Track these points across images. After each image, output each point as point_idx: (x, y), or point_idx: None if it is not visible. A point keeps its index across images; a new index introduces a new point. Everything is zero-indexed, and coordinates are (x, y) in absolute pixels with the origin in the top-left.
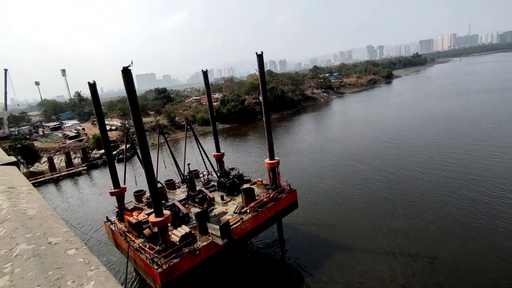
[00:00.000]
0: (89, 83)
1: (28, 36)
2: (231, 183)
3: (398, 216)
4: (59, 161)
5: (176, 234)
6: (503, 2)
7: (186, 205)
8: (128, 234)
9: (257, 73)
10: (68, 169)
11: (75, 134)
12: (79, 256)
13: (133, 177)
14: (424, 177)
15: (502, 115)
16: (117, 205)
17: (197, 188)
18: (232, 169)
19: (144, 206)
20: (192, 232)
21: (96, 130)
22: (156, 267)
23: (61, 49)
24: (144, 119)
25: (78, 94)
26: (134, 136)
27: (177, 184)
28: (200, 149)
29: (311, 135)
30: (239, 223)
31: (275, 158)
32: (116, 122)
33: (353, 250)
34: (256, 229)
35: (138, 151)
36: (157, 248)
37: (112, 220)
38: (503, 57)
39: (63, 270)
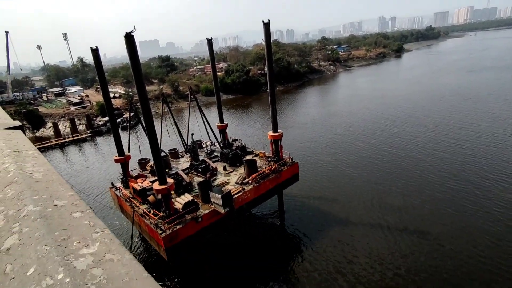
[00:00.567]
0: (91, 48)
1: (36, 6)
2: (234, 154)
3: (395, 194)
4: (64, 127)
5: (179, 201)
6: None
7: (189, 174)
8: (133, 200)
9: (263, 43)
10: (73, 135)
11: (79, 100)
12: (84, 218)
13: (137, 145)
14: (424, 156)
15: (511, 95)
16: (121, 172)
17: (200, 158)
18: (235, 140)
19: (148, 173)
20: (195, 200)
21: (99, 97)
22: (160, 232)
23: (64, 17)
24: (148, 88)
25: (80, 60)
26: (138, 104)
27: (180, 154)
28: (204, 119)
29: (315, 109)
30: (240, 193)
31: (278, 131)
32: (120, 90)
33: (350, 224)
34: (257, 199)
35: (142, 119)
36: (161, 214)
37: (117, 186)
38: None
39: (69, 231)
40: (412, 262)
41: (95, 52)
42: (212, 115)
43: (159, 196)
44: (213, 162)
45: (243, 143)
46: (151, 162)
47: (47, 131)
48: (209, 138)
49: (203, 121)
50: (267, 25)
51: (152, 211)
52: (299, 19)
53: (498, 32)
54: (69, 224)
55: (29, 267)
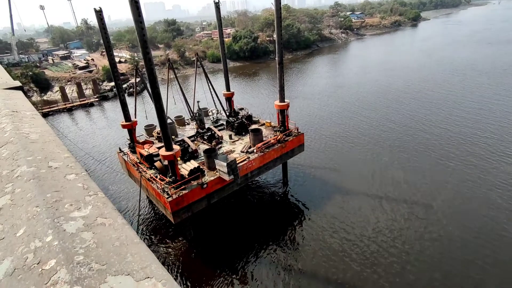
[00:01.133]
0: (95, 9)
1: None
2: (240, 123)
3: (398, 168)
4: (71, 91)
5: (185, 168)
6: None
7: (195, 142)
8: (140, 165)
9: (273, 7)
10: (80, 99)
11: (84, 64)
12: (78, 181)
13: (144, 111)
14: (430, 132)
15: None
16: (129, 138)
17: (206, 126)
18: (242, 109)
19: (154, 140)
20: (200, 167)
21: (105, 61)
22: (167, 196)
23: None
24: (153, 53)
25: (85, 22)
26: (144, 70)
27: (186, 121)
28: (210, 87)
29: (323, 80)
30: (245, 161)
31: (285, 100)
32: (125, 54)
33: (351, 195)
34: (262, 168)
35: (148, 86)
36: (167, 179)
37: (124, 151)
38: None
39: (62, 193)
40: (408, 236)
41: (99, 13)
42: (219, 82)
43: (166, 162)
44: (219, 130)
45: (249, 112)
46: (158, 129)
47: (54, 94)
48: (215, 106)
49: (210, 89)
50: None
51: (159, 176)
52: None
53: None
54: (62, 186)
55: (19, 228)
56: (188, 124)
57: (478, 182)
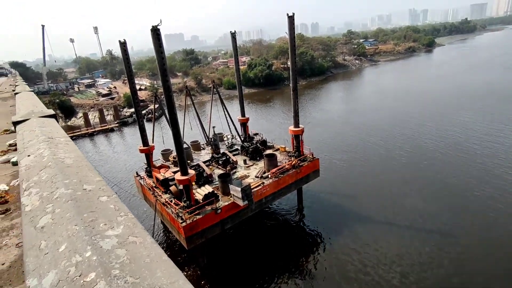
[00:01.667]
0: (119, 41)
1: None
2: (254, 148)
3: (415, 195)
4: (93, 117)
5: (200, 192)
6: None
7: (210, 166)
8: (155, 189)
9: (287, 36)
10: (102, 125)
11: (107, 92)
12: (110, 203)
13: (161, 137)
14: (448, 160)
15: None
16: (145, 162)
17: (221, 151)
18: (256, 134)
19: (170, 164)
20: (215, 192)
21: (126, 89)
22: (181, 221)
23: (95, 11)
24: (172, 80)
25: (109, 53)
26: (162, 96)
27: (202, 146)
28: (225, 112)
29: (338, 105)
30: (260, 187)
31: (300, 126)
32: (145, 82)
33: (368, 224)
34: (276, 194)
35: (166, 111)
36: (182, 204)
37: (141, 175)
38: None
39: (96, 213)
40: (428, 267)
41: (123, 45)
42: (234, 108)
43: (181, 187)
44: (234, 155)
45: (263, 137)
46: (174, 153)
47: (78, 120)
48: (230, 131)
49: (225, 114)
50: (291, 18)
51: (173, 201)
52: (325, 12)
53: None
54: (96, 207)
55: (60, 244)
56: (203, 149)
57: (502, 212)
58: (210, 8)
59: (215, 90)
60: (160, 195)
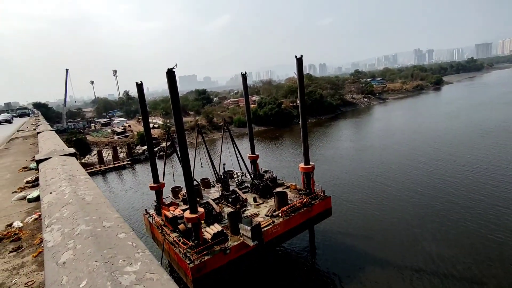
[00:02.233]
0: (136, 83)
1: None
2: (265, 186)
3: (430, 238)
4: (107, 154)
5: (209, 231)
6: None
7: (220, 204)
8: (164, 227)
9: (296, 77)
10: (114, 162)
11: (122, 130)
12: (128, 239)
13: (172, 174)
14: (462, 201)
15: None
16: (155, 199)
17: (231, 188)
18: (266, 171)
19: (180, 202)
20: (224, 231)
21: (140, 127)
22: (189, 262)
23: (113, 48)
24: (184, 119)
25: (126, 93)
26: (175, 134)
27: (212, 183)
28: (236, 150)
29: (348, 143)
30: (270, 226)
31: (310, 163)
32: (159, 121)
33: (383, 267)
34: (287, 233)
35: (178, 149)
36: (190, 243)
37: (150, 213)
38: None
39: (115, 250)
40: None
41: (139, 86)
42: (244, 146)
43: (189, 225)
44: (244, 193)
45: (274, 175)
46: (184, 191)
47: (92, 157)
48: (240, 168)
49: (235, 152)
50: (299, 60)
51: (182, 240)
52: (332, 53)
53: None
54: (115, 244)
55: (81, 280)
56: (213, 186)
57: None
58: (223, 53)
59: (225, 128)
60: (169, 234)
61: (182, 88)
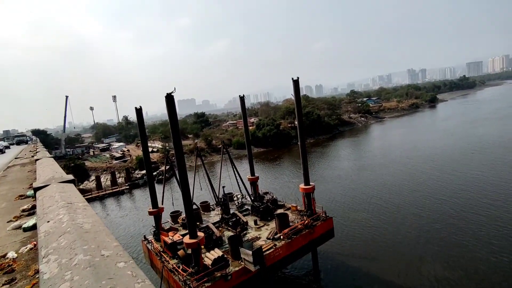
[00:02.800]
0: (136, 108)
1: (86, 65)
2: (265, 208)
3: (433, 262)
4: (105, 180)
5: (209, 257)
6: None
7: (220, 228)
8: (163, 254)
9: (293, 98)
10: (113, 187)
11: (120, 155)
12: (128, 269)
13: (171, 198)
14: (463, 220)
15: None
16: (154, 225)
17: (231, 211)
18: (266, 193)
19: (179, 227)
20: (225, 256)
21: (139, 152)
22: None
23: (112, 74)
24: (183, 142)
25: (125, 118)
26: (174, 158)
27: (211, 206)
28: (235, 172)
29: (347, 162)
30: (272, 249)
31: (310, 183)
32: (158, 145)
33: None
34: (290, 257)
35: (177, 172)
36: (190, 270)
37: (149, 239)
38: None
39: (114, 280)
40: None
41: (139, 111)
42: (244, 167)
43: (189, 251)
44: (244, 215)
45: (274, 196)
46: (183, 215)
47: (90, 183)
48: (240, 191)
49: (235, 174)
50: (296, 82)
51: (181, 267)
52: (328, 74)
53: None
54: (114, 274)
55: None
56: (213, 209)
57: None
58: (221, 76)
59: (224, 150)
60: (168, 261)
61: (181, 112)
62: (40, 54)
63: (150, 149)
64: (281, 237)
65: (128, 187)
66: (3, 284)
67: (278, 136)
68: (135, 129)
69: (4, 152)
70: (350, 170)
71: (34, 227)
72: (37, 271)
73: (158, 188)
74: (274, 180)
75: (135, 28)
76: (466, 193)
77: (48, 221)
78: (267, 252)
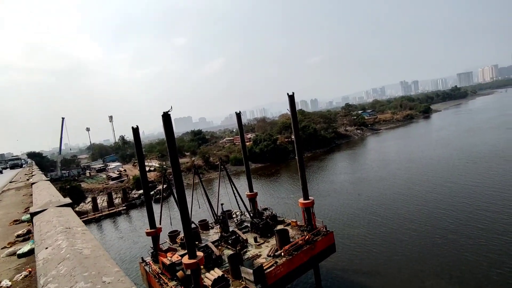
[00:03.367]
0: (132, 127)
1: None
2: (265, 224)
3: (435, 278)
4: (102, 201)
5: (209, 277)
6: None
7: (219, 247)
8: (161, 276)
9: (289, 113)
10: (109, 209)
11: (117, 175)
12: None
13: (169, 217)
14: (461, 232)
15: None
16: (152, 246)
17: (230, 229)
18: (266, 209)
19: (178, 247)
20: (225, 275)
21: (136, 171)
22: None
23: (108, 95)
24: (180, 160)
25: (122, 138)
26: (171, 176)
27: (210, 225)
28: (233, 188)
29: (344, 176)
30: (273, 267)
31: (310, 197)
32: (155, 163)
33: None
34: (291, 274)
35: (174, 191)
36: None
37: (147, 261)
38: None
39: None
40: None
41: (135, 130)
42: (242, 183)
43: (188, 272)
44: (244, 232)
45: (273, 212)
46: (181, 235)
47: (86, 205)
48: (239, 207)
49: (233, 190)
50: (291, 97)
51: None
52: (322, 88)
53: None
54: None
55: None
56: (212, 228)
57: None
58: (217, 93)
59: (222, 166)
60: (166, 283)
61: (178, 130)
62: (36, 76)
63: (147, 168)
64: (282, 254)
65: (125, 207)
66: None
67: (275, 151)
68: (131, 149)
69: None
70: (348, 184)
71: (29, 253)
72: None
73: (156, 207)
74: (273, 195)
75: (131, 48)
76: (463, 204)
77: (47, 248)
78: (268, 270)
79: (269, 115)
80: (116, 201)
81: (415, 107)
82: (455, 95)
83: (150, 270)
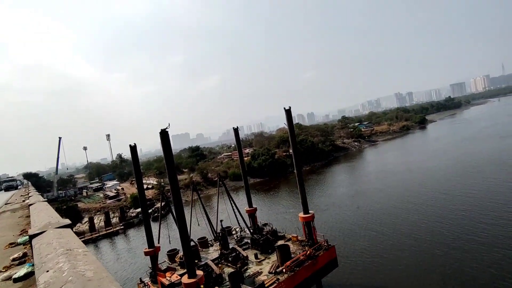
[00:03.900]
0: (130, 146)
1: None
2: (265, 240)
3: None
4: (99, 221)
5: None
6: None
7: (219, 265)
8: None
9: (286, 127)
10: (106, 228)
11: (114, 194)
12: None
13: (167, 236)
14: (463, 244)
15: None
16: (150, 265)
17: (230, 246)
18: (266, 224)
19: (177, 266)
20: None
21: (133, 189)
22: None
23: (105, 113)
24: (178, 177)
25: (119, 156)
26: (169, 194)
27: (210, 242)
28: (232, 204)
29: (343, 188)
30: (275, 284)
31: (310, 211)
32: (152, 181)
33: None
34: None
35: (173, 208)
36: None
37: (145, 281)
38: None
39: None
40: None
41: (133, 148)
42: (241, 199)
43: None
44: (244, 249)
45: (273, 227)
46: (181, 253)
47: (83, 226)
48: (239, 223)
49: (232, 206)
50: (288, 111)
51: None
52: (319, 102)
53: None
54: None
55: None
56: (211, 245)
57: None
58: (214, 109)
59: (221, 183)
60: None
61: (176, 147)
62: (33, 96)
63: (145, 186)
64: (284, 270)
65: (122, 227)
66: None
67: (273, 165)
68: (129, 167)
69: None
70: (347, 197)
71: (25, 277)
72: None
73: (154, 226)
74: (273, 210)
75: (128, 67)
76: (462, 214)
77: (48, 271)
78: (270, 287)
79: (266, 130)
80: (114, 220)
81: (411, 118)
82: (450, 105)
83: None
